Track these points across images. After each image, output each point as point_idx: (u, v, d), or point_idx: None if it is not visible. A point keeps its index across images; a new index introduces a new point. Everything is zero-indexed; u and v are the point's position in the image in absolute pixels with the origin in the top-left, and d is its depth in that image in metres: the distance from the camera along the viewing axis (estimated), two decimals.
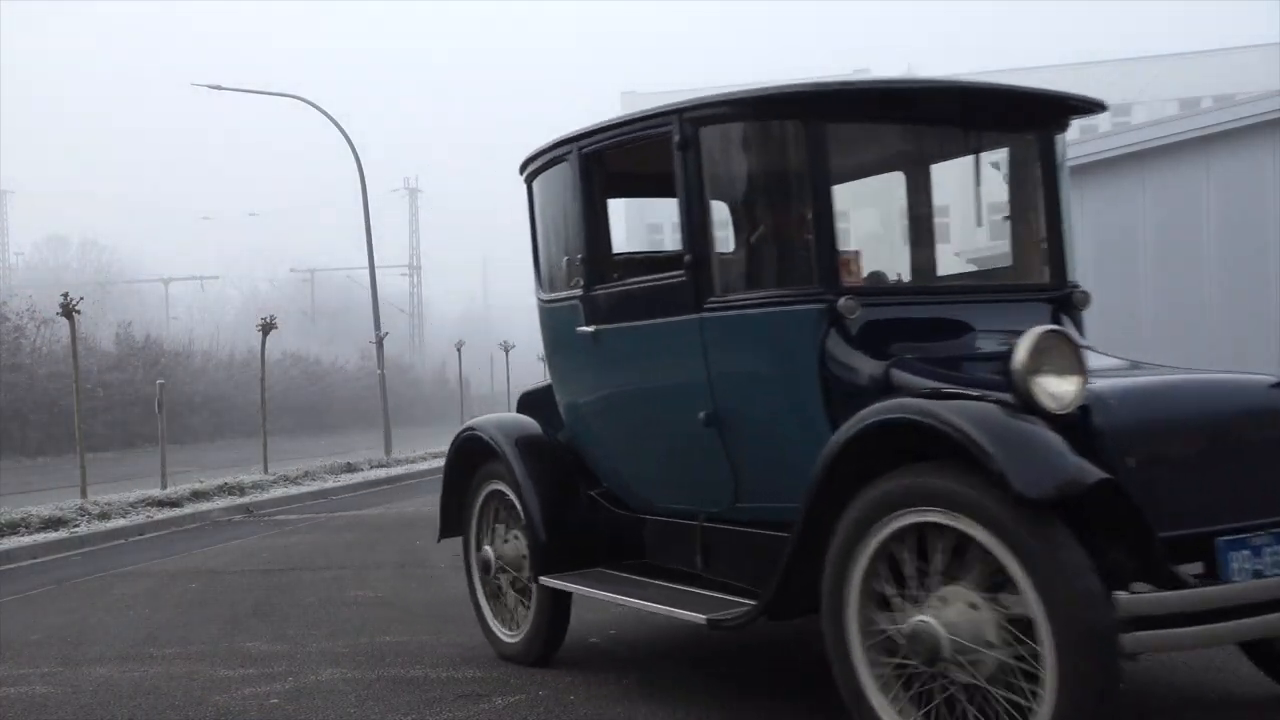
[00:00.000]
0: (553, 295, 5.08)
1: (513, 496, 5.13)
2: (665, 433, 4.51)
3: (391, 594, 7.33)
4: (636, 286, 4.58)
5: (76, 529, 11.55)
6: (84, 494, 13.13)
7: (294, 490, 15.59)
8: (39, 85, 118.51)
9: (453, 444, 5.60)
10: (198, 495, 14.03)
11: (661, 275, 4.45)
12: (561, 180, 4.91)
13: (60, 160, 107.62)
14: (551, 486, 5.01)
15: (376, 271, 26.39)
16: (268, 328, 17.73)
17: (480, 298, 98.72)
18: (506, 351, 29.34)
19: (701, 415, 4.19)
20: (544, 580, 4.88)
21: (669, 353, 4.36)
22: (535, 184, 5.22)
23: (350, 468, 18.39)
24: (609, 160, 4.77)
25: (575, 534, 4.94)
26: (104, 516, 12.17)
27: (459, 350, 27.98)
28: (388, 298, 36.61)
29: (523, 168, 5.25)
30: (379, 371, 24.77)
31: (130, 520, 12.28)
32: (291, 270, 68.82)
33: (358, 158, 24.91)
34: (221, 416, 37.89)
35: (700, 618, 3.97)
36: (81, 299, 14.09)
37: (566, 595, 4.99)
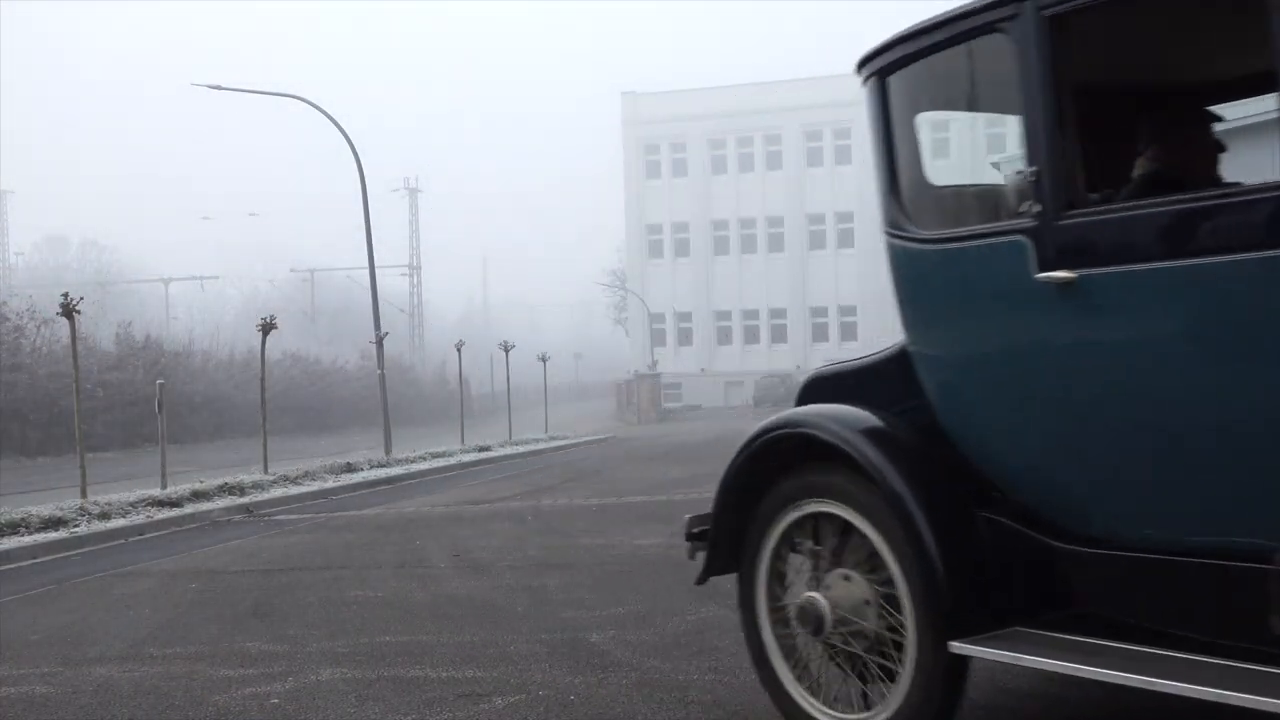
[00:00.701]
0: (954, 232, 3.58)
1: (860, 522, 3.63)
2: (1223, 431, 3.04)
3: (391, 594, 7.33)
4: (1177, 208, 3.02)
5: (76, 529, 11.57)
6: (84, 494, 13.14)
7: (294, 490, 15.61)
8: (39, 86, 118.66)
9: (747, 448, 3.97)
10: (198, 495, 14.04)
11: (1241, 191, 2.93)
12: (978, 62, 3.52)
13: (60, 160, 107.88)
14: (947, 508, 3.49)
15: (376, 271, 26.41)
16: (268, 328, 17.74)
17: (480, 298, 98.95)
18: (506, 351, 29.37)
19: None
20: (959, 647, 3.34)
21: (1256, 310, 2.86)
22: (899, 79, 3.70)
23: (350, 468, 18.41)
24: (1085, 26, 3.23)
25: (988, 577, 3.44)
26: (104, 516, 12.18)
27: (459, 350, 28.01)
28: (388, 298, 36.62)
29: (874, 56, 3.73)
30: (379, 371, 24.80)
31: (130, 520, 12.30)
32: (291, 270, 69.04)
33: (358, 158, 24.94)
34: (221, 416, 38.02)
35: None
36: (81, 299, 14.13)
37: (964, 666, 3.48)
